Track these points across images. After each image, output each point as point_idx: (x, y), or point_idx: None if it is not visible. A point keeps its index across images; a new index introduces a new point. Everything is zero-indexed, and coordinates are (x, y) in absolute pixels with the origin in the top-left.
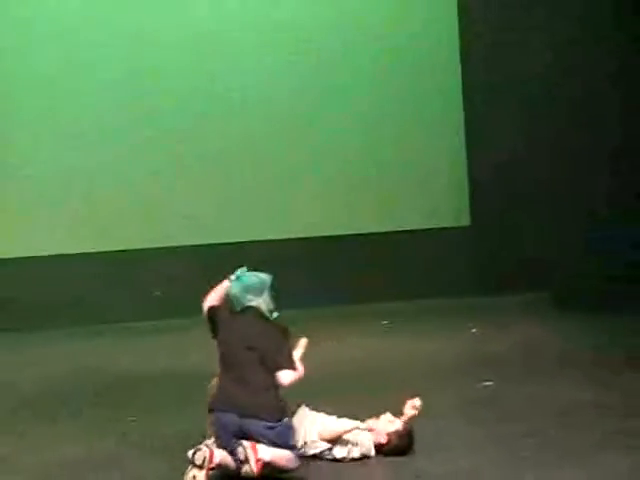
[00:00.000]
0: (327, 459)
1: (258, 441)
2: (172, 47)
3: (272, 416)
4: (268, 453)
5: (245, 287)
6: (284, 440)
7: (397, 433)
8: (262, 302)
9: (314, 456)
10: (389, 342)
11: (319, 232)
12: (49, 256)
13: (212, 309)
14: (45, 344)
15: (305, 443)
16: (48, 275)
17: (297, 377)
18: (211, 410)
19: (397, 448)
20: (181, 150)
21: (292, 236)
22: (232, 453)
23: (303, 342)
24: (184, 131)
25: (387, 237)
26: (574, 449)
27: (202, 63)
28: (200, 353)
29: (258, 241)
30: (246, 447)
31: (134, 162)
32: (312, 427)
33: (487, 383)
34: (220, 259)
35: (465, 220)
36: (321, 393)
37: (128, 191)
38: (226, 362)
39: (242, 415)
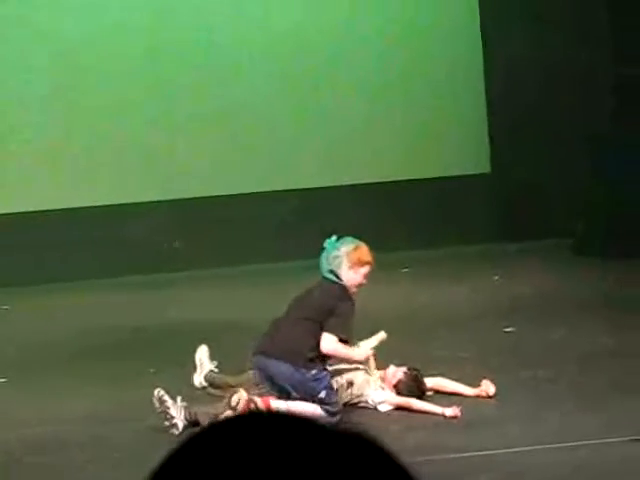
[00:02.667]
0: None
1: (282, 388)
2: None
3: (297, 361)
4: (282, 406)
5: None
6: (309, 391)
7: (402, 383)
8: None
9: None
10: (409, 289)
11: (329, 181)
12: (52, 210)
13: None
14: (57, 297)
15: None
16: (57, 229)
17: (343, 353)
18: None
19: (409, 396)
20: (184, 104)
21: (304, 186)
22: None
23: (381, 335)
24: (187, 86)
25: (405, 185)
26: (596, 393)
27: (206, 18)
28: (214, 305)
29: (263, 192)
30: (257, 402)
31: (134, 114)
32: None
33: (509, 329)
34: (222, 211)
35: (485, 167)
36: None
37: (131, 143)
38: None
39: (268, 356)
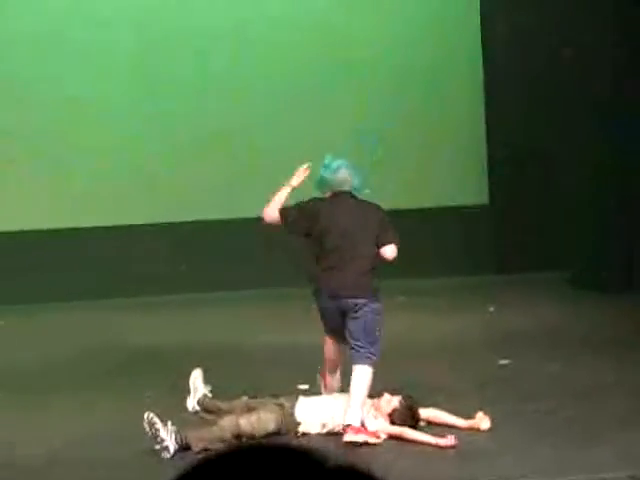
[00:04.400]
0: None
1: (353, 319)
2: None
3: (369, 295)
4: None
5: (338, 171)
6: (371, 325)
7: (397, 411)
8: (354, 182)
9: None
10: (406, 318)
11: None
12: (64, 229)
13: (284, 210)
14: (61, 316)
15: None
16: (66, 248)
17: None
18: (316, 293)
19: (402, 425)
20: (185, 132)
21: None
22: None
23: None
24: (186, 114)
25: (405, 214)
26: (594, 428)
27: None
28: (216, 329)
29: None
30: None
31: (137, 139)
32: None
33: (505, 362)
34: (230, 235)
35: (484, 198)
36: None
37: (134, 167)
38: (327, 248)
39: (343, 296)
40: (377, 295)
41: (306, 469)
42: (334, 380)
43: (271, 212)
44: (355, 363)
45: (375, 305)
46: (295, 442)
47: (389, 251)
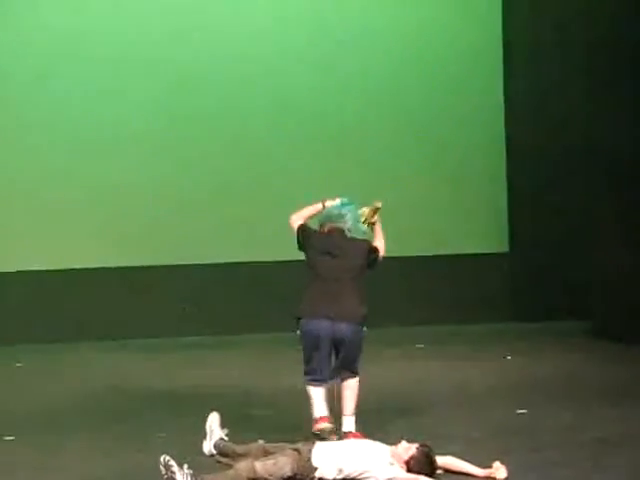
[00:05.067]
0: None
1: (343, 341)
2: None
3: (357, 320)
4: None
5: (342, 212)
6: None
7: (414, 459)
8: (350, 225)
9: None
10: (423, 366)
11: None
12: (68, 269)
13: (303, 226)
14: (66, 357)
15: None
16: (68, 288)
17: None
18: (299, 318)
19: (419, 473)
20: (189, 173)
21: None
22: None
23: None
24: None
25: (423, 261)
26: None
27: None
28: (223, 369)
29: (282, 261)
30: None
31: (147, 182)
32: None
33: (521, 411)
34: (235, 278)
35: (504, 246)
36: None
37: (142, 208)
38: (317, 272)
39: (334, 319)
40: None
41: None
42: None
43: (292, 222)
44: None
45: (364, 330)
46: None
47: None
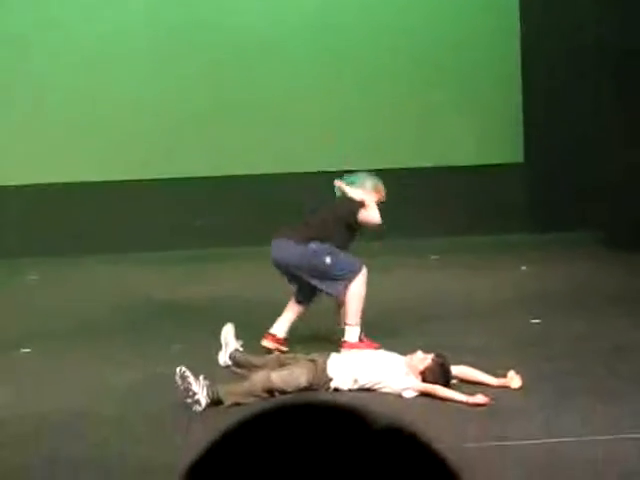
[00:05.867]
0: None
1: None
2: None
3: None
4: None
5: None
6: (312, 265)
7: (429, 369)
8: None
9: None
10: (438, 278)
11: (367, 165)
12: (89, 182)
13: None
14: (79, 271)
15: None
16: (90, 201)
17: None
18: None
19: (434, 383)
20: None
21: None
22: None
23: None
24: (223, 66)
25: (439, 172)
26: (621, 387)
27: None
28: (234, 282)
29: (297, 173)
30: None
31: (165, 96)
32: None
33: (535, 321)
34: (248, 190)
35: (519, 157)
36: (369, 326)
37: (154, 123)
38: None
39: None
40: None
41: (354, 429)
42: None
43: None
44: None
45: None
46: (329, 397)
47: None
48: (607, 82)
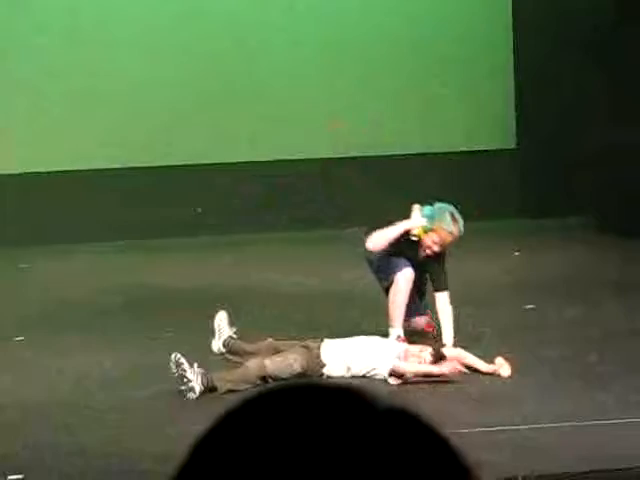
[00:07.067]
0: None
1: None
2: None
3: None
4: None
5: None
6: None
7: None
8: None
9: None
10: None
11: (358, 152)
12: (87, 170)
13: None
14: (70, 259)
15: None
16: (87, 189)
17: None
18: None
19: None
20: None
21: (335, 155)
22: None
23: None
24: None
25: (431, 158)
26: (614, 373)
27: None
28: (234, 270)
29: (289, 160)
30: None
31: (167, 81)
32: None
33: (529, 307)
34: (248, 176)
35: (511, 142)
36: (359, 311)
37: (154, 110)
38: None
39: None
40: None
41: (360, 409)
42: None
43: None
44: None
45: None
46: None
47: None
48: (601, 69)
